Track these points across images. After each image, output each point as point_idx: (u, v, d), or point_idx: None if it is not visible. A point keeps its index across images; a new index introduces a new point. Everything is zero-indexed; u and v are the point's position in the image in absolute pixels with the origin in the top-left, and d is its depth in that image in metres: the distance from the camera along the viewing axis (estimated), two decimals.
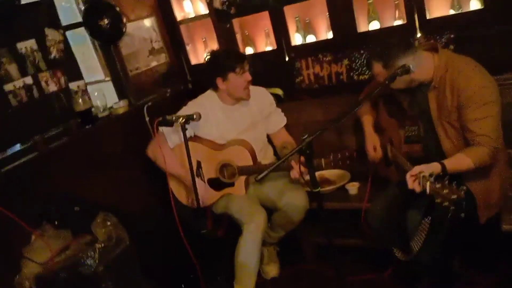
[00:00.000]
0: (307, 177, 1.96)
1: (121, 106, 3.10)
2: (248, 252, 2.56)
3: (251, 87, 2.75)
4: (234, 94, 2.67)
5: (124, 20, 3.13)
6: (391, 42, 2.15)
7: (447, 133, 2.17)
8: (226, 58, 2.61)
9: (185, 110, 2.69)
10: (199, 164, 2.75)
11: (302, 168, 2.11)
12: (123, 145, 3.00)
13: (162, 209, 2.82)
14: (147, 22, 3.46)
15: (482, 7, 2.57)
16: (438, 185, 1.74)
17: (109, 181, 2.83)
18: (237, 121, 2.74)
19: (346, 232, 2.84)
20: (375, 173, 2.67)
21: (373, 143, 2.53)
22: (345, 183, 2.86)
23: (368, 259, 2.82)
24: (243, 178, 2.70)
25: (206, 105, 2.71)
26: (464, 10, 2.66)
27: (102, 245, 2.27)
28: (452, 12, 2.69)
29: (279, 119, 2.88)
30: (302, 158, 2.18)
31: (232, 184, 2.73)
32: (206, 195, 2.71)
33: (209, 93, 2.77)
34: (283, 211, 2.70)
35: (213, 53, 2.70)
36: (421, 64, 2.09)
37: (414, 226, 2.22)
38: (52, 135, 2.73)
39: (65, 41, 2.97)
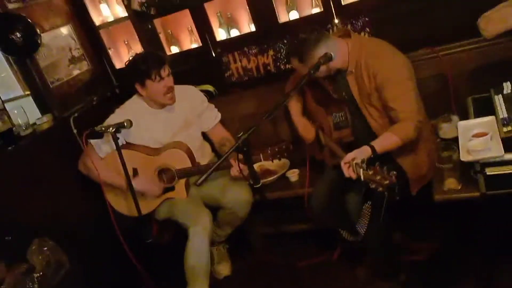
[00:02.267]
0: (247, 173, 1.93)
1: (45, 121, 2.85)
2: (198, 255, 2.46)
3: (180, 87, 2.62)
4: (155, 100, 2.53)
5: (38, 31, 2.86)
6: (302, 37, 2.12)
7: (372, 114, 2.19)
8: (142, 64, 2.43)
9: (113, 118, 2.52)
10: (135, 171, 2.59)
11: (241, 166, 2.05)
12: (52, 162, 2.75)
13: (103, 223, 2.63)
14: (64, 30, 3.20)
15: None
16: (370, 172, 1.75)
17: (43, 202, 2.61)
18: (169, 124, 2.60)
19: (292, 219, 2.82)
20: (312, 158, 2.65)
21: (303, 125, 2.51)
22: (286, 171, 2.83)
23: (316, 243, 2.82)
24: (183, 181, 2.58)
25: (135, 111, 2.55)
26: None
27: (41, 273, 2.11)
28: None
29: (212, 116, 2.77)
30: (240, 156, 2.12)
31: (172, 188, 2.60)
32: (153, 190, 2.56)
33: (135, 98, 2.61)
34: (228, 208, 2.62)
35: (132, 58, 2.52)
36: (336, 51, 2.10)
37: (355, 209, 2.23)
38: None
39: None
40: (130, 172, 2.43)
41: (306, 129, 2.51)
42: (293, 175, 2.79)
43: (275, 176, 2.80)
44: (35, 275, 2.09)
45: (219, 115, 2.79)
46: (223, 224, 2.75)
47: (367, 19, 2.66)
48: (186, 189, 2.60)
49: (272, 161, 2.30)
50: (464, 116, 2.23)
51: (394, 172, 1.70)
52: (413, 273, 2.34)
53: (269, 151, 2.27)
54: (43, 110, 2.98)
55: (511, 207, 1.96)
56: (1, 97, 2.75)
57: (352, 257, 2.58)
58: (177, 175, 2.55)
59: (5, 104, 2.78)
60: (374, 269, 2.40)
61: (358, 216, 2.25)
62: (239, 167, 2.06)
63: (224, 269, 2.87)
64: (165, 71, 2.44)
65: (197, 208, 2.56)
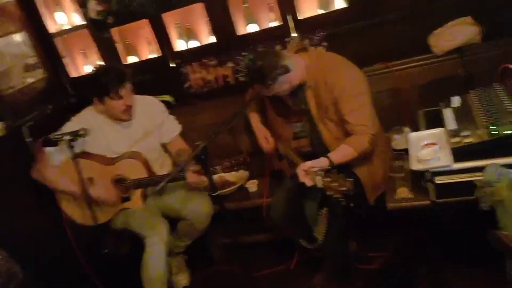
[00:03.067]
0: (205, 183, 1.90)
1: None
2: (155, 266, 2.37)
3: (140, 98, 2.54)
4: (112, 115, 2.44)
5: None
6: (259, 63, 2.10)
7: (328, 127, 2.20)
8: (103, 79, 2.32)
9: (69, 126, 2.41)
10: (91, 180, 2.47)
11: (199, 176, 2.04)
12: (3, 172, 2.59)
13: (58, 233, 2.53)
14: (17, 37, 3.04)
15: (347, 5, 2.63)
16: (327, 179, 1.76)
17: None
18: (127, 135, 2.51)
19: (251, 230, 2.80)
20: (271, 169, 2.63)
21: (263, 135, 2.49)
22: (245, 182, 2.80)
23: (274, 252, 2.79)
24: (139, 191, 2.50)
25: (92, 120, 2.45)
26: (331, 9, 2.70)
27: None
28: (321, 11, 2.73)
29: (172, 127, 2.68)
30: (198, 167, 2.09)
31: (128, 199, 2.51)
32: (110, 199, 2.46)
33: (93, 108, 2.50)
34: (188, 219, 2.56)
35: (93, 71, 2.44)
36: (294, 67, 2.09)
37: (312, 215, 2.23)
38: None
39: None
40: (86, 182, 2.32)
41: (266, 139, 2.49)
42: (252, 185, 2.76)
43: (234, 187, 2.76)
44: None
45: (179, 127, 2.71)
46: (182, 235, 2.68)
47: (324, 33, 2.69)
48: (142, 199, 2.52)
49: (230, 172, 2.26)
50: (416, 128, 2.28)
51: (351, 179, 1.71)
52: (367, 282, 2.36)
53: (226, 163, 2.24)
54: None
55: (460, 215, 2.02)
56: None
57: (309, 265, 2.57)
58: (132, 185, 2.46)
59: None
60: (330, 276, 2.39)
61: (315, 223, 2.24)
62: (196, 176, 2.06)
63: (182, 280, 2.79)
64: (125, 89, 2.34)
65: (154, 218, 2.49)
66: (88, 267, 2.33)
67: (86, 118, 2.46)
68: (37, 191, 2.50)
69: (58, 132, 2.35)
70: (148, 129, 2.57)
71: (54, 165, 2.42)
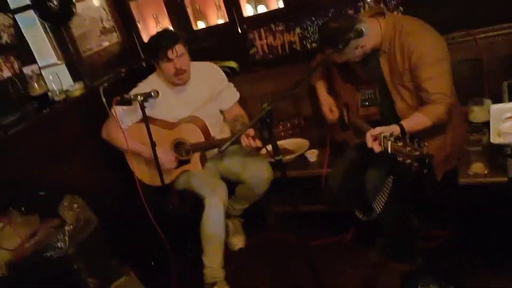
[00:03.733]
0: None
1: (77, 89, 2.88)
2: (213, 225, 2.40)
3: (200, 64, 2.55)
4: (167, 79, 2.46)
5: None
6: (333, 26, 1.99)
7: (402, 95, 2.07)
8: (155, 43, 2.36)
9: (136, 91, 2.45)
10: (154, 143, 2.52)
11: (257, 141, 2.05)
12: (82, 127, 2.79)
13: (126, 189, 2.64)
14: (96, 2, 3.18)
15: None
16: (400, 143, 1.62)
17: (72, 164, 2.67)
18: (188, 101, 2.53)
19: (308, 199, 2.72)
20: (333, 139, 2.54)
21: (328, 105, 2.42)
22: (304, 151, 2.73)
23: (331, 223, 2.72)
24: (197, 154, 2.51)
25: (156, 86, 2.46)
26: None
27: (71, 227, 2.15)
28: None
29: (231, 95, 2.65)
30: (252, 132, 2.12)
31: (188, 161, 2.54)
32: (169, 162, 2.52)
33: (156, 74, 2.55)
34: (247, 183, 2.55)
35: (151, 36, 2.46)
36: (368, 32, 1.96)
37: (374, 187, 2.10)
38: (10, 121, 2.52)
39: (15, 24, 2.68)
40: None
41: (331, 109, 2.41)
42: (312, 155, 2.69)
43: (294, 155, 2.70)
44: (66, 228, 2.13)
45: (237, 95, 2.68)
46: (240, 198, 2.69)
47: None
48: (201, 163, 2.53)
49: (285, 137, 2.15)
50: (498, 101, 2.07)
51: (426, 144, 1.57)
52: (425, 260, 2.22)
53: (280, 127, 2.15)
54: (75, 77, 3.02)
55: None
56: (39, 63, 2.79)
57: (366, 240, 2.47)
58: (191, 148, 2.49)
59: (42, 70, 2.84)
60: (388, 250, 2.29)
61: (376, 193, 2.12)
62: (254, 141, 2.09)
63: (238, 242, 2.83)
64: (175, 52, 2.33)
65: (213, 180, 2.51)
66: (154, 220, 2.40)
67: (151, 84, 2.49)
68: (110, 148, 2.60)
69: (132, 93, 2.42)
70: (207, 96, 2.57)
71: (123, 126, 2.48)
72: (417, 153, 1.54)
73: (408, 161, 1.57)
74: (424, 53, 1.93)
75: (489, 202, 2.06)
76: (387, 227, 2.21)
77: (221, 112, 2.68)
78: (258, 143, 2.21)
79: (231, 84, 2.68)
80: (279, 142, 2.64)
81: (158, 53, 2.33)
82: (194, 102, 2.53)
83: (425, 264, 2.19)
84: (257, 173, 2.52)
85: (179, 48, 2.34)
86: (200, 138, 2.45)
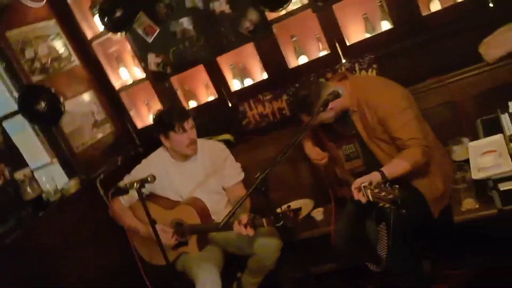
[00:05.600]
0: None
1: (72, 185, 3.15)
2: None
3: (206, 142, 2.95)
4: (179, 151, 2.85)
5: (61, 99, 3.16)
6: (303, 93, 2.43)
7: (380, 147, 2.45)
8: (167, 117, 2.77)
9: (138, 169, 2.88)
10: (154, 222, 2.82)
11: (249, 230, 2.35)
12: (82, 223, 3.07)
13: (135, 276, 2.83)
14: (86, 97, 3.56)
15: (392, 26, 2.95)
16: (376, 190, 1.95)
17: (76, 262, 2.93)
18: (190, 176, 2.90)
19: (320, 259, 2.99)
20: (335, 196, 2.83)
21: (314, 153, 2.72)
22: (310, 211, 3.06)
23: (347, 281, 2.95)
24: (195, 236, 2.79)
25: (159, 162, 2.90)
26: (378, 32, 3.03)
27: None
28: (367, 35, 3.06)
29: (234, 174, 2.95)
30: (245, 219, 2.39)
31: (186, 243, 2.82)
32: (167, 241, 2.76)
33: (160, 150, 2.96)
34: (256, 254, 2.72)
35: (158, 112, 2.88)
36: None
37: (374, 235, 2.42)
38: (4, 231, 2.72)
39: (4, 132, 2.98)
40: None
41: (318, 154, 2.71)
42: (318, 214, 3.02)
43: (301, 216, 2.92)
44: None
45: (241, 175, 2.96)
46: (254, 271, 2.86)
47: (373, 56, 2.99)
48: (198, 245, 2.79)
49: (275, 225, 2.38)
50: (475, 138, 2.47)
51: (397, 186, 1.89)
52: None
53: (272, 218, 2.37)
54: (70, 174, 3.29)
55: None
56: (30, 166, 3.03)
57: None
58: (187, 230, 2.78)
59: (34, 172, 3.04)
60: None
61: (376, 241, 2.42)
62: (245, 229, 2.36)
63: None
64: (189, 124, 2.77)
65: (204, 265, 2.70)
66: None
67: (153, 162, 2.91)
68: (115, 239, 2.91)
69: (128, 178, 2.81)
70: (209, 170, 2.92)
71: (125, 206, 2.88)
72: (391, 196, 1.86)
73: (387, 205, 1.89)
74: (387, 107, 2.35)
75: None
76: (397, 274, 2.42)
77: (224, 190, 2.97)
78: (250, 231, 2.42)
79: (238, 164, 2.99)
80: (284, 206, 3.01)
81: (173, 125, 2.73)
82: (196, 177, 2.89)
83: None
84: (265, 242, 2.69)
85: (191, 121, 2.79)
86: (196, 220, 2.75)
